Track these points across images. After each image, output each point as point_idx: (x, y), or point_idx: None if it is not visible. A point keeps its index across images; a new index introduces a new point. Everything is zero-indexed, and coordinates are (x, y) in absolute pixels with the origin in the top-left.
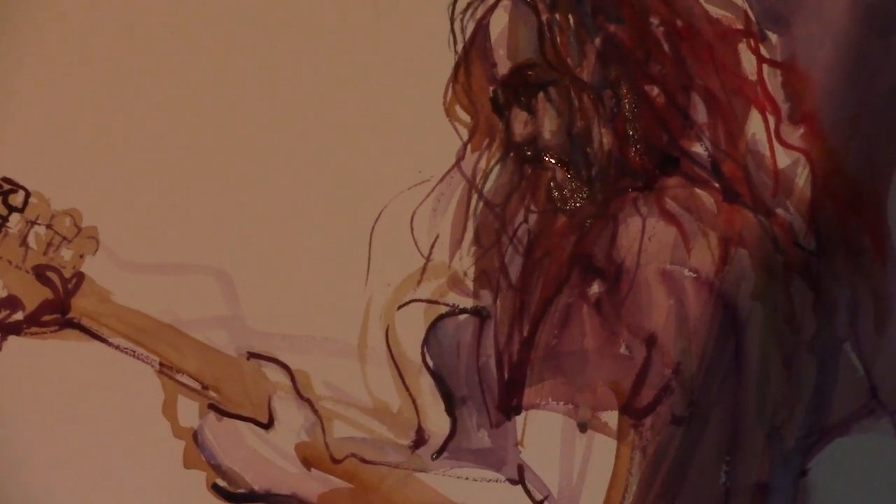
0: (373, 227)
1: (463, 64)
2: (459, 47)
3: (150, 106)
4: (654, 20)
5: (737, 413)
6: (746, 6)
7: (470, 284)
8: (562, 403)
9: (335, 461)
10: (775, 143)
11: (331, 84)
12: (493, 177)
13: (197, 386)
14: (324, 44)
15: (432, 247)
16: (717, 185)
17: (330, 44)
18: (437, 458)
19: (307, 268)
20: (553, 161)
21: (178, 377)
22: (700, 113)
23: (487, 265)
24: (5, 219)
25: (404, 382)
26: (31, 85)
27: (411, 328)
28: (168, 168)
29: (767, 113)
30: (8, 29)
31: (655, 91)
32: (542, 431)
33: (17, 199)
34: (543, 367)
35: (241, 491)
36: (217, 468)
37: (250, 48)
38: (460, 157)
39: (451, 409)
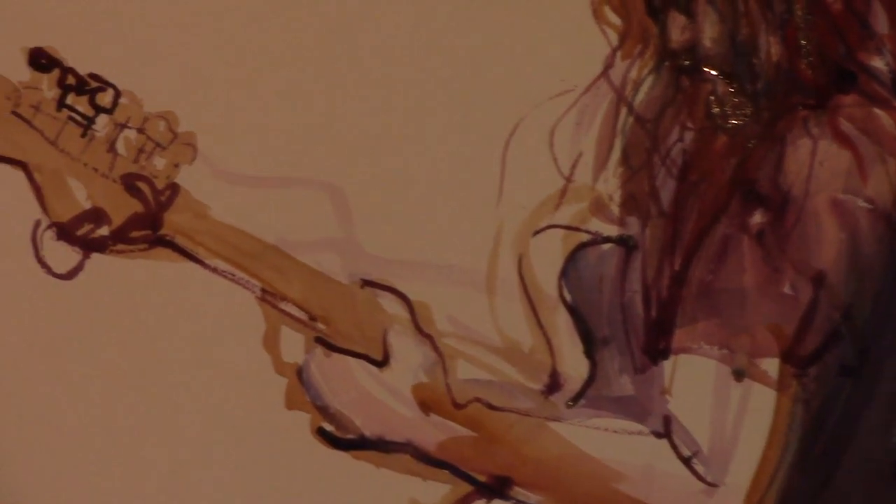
0: (507, 142)
1: None
2: None
3: None
4: None
5: None
6: None
7: (615, 210)
8: (715, 348)
9: (457, 406)
10: None
11: None
12: (644, 88)
13: (303, 316)
14: None
15: (574, 166)
16: None
17: None
18: (573, 405)
19: (431, 186)
20: (713, 72)
21: (282, 305)
22: (882, 23)
23: (636, 188)
24: (91, 121)
25: (538, 319)
26: None
27: (547, 258)
28: (277, 68)
29: None
30: None
31: None
32: (693, 379)
33: (105, 98)
34: (696, 306)
35: (350, 436)
36: (323, 410)
37: None
38: (608, 65)
39: (590, 351)
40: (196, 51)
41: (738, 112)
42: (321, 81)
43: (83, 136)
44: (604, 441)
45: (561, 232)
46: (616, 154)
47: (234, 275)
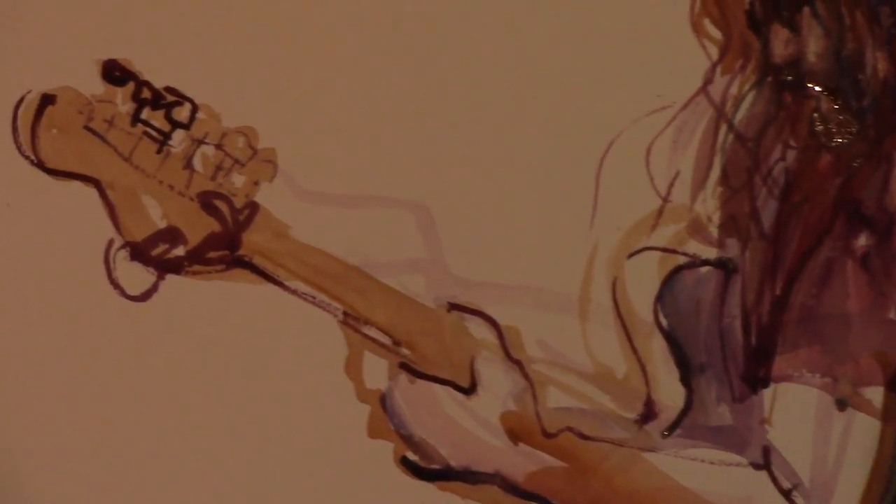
0: (601, 161)
1: None
2: None
3: (349, 8)
4: None
5: None
6: None
7: (714, 231)
8: (818, 376)
9: (548, 435)
10: None
11: None
12: (745, 105)
13: (387, 341)
14: None
15: (671, 185)
16: None
17: None
18: (668, 435)
19: (522, 205)
20: (818, 88)
21: (366, 330)
22: None
23: (736, 209)
24: (168, 136)
25: (632, 345)
26: None
27: (643, 281)
28: (362, 82)
29: None
30: None
31: None
32: (794, 408)
33: (182, 113)
34: (798, 332)
35: (435, 466)
36: (408, 439)
37: None
38: (708, 81)
39: (686, 379)
40: (277, 64)
41: (842, 130)
42: (409, 98)
43: (158, 152)
44: (701, 473)
45: (657, 254)
46: (715, 173)
47: (315, 297)
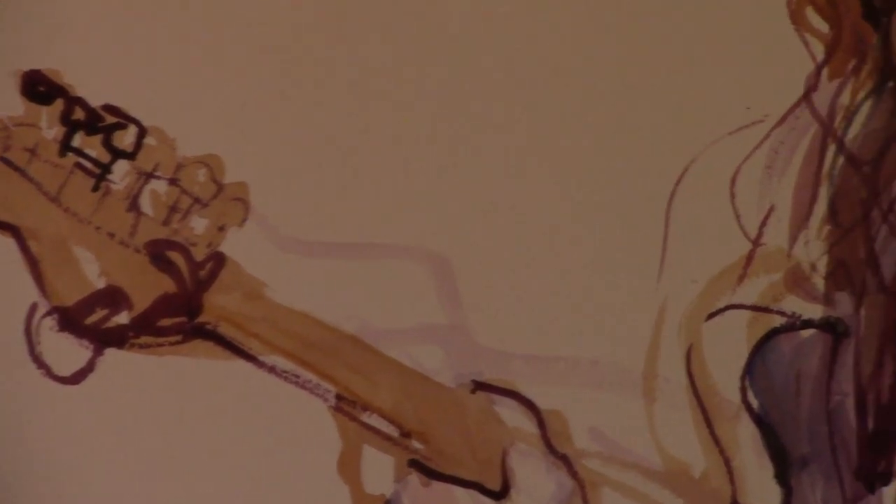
0: (672, 193)
1: None
2: None
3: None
4: None
5: None
6: None
7: (820, 283)
8: None
9: None
10: None
11: None
12: (860, 118)
13: (393, 432)
14: None
15: (763, 224)
16: None
17: None
18: None
19: (565, 254)
20: None
21: (365, 417)
22: None
23: (848, 254)
24: (107, 169)
25: (713, 432)
26: None
27: (727, 349)
28: (363, 92)
29: None
30: None
31: None
32: None
33: (125, 138)
34: None
35: None
36: None
37: None
38: (811, 87)
39: (783, 475)
40: (249, 76)
41: None
42: (422, 115)
43: (95, 189)
44: None
45: (745, 314)
46: (821, 208)
47: (299, 377)
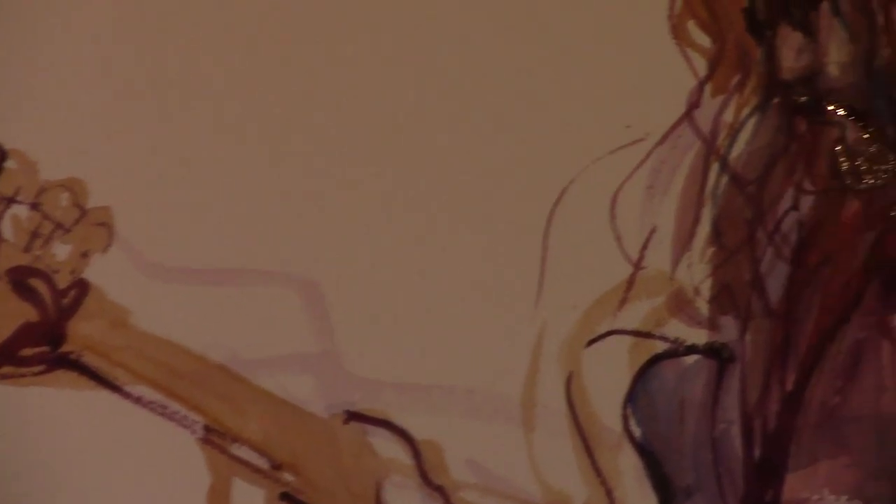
0: (549, 217)
1: None
2: None
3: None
4: None
5: None
6: None
7: (704, 307)
8: (844, 498)
9: None
10: None
11: None
12: (744, 136)
13: (264, 464)
14: None
15: (645, 246)
16: None
17: None
18: None
19: (439, 279)
20: (841, 112)
21: (235, 449)
22: None
23: (732, 277)
24: None
25: (594, 462)
26: None
27: (608, 376)
28: (219, 121)
29: None
30: None
31: None
32: None
33: None
34: (816, 441)
35: None
36: None
37: None
38: (693, 104)
39: None
40: (111, 98)
41: (875, 167)
42: (288, 136)
43: None
44: None
45: (627, 340)
46: (705, 229)
47: (166, 407)
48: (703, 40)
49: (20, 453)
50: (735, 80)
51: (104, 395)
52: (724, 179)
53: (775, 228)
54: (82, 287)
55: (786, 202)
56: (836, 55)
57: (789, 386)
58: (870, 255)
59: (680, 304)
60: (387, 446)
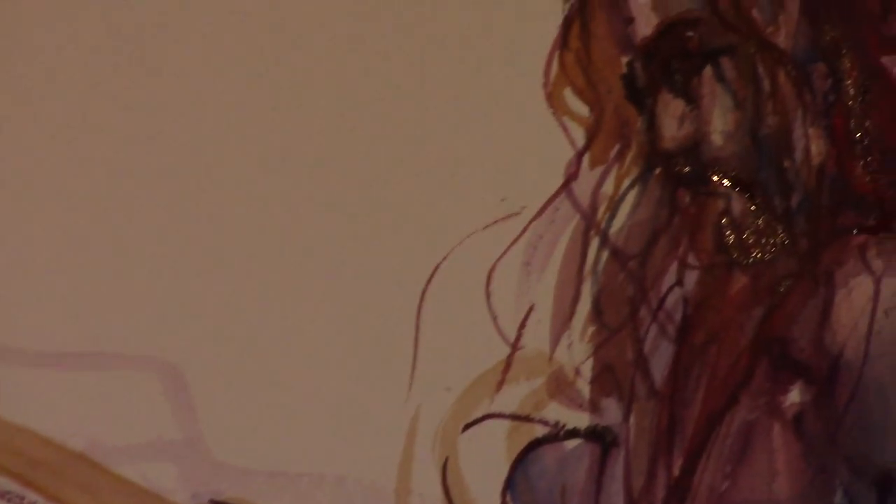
0: (422, 295)
1: (578, 18)
2: None
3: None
4: None
5: None
6: None
7: (585, 389)
8: None
9: None
10: None
11: (349, 50)
12: (625, 209)
13: None
14: None
15: (523, 325)
16: None
17: None
18: None
19: (309, 362)
20: (727, 182)
21: None
22: None
23: (615, 357)
24: None
25: None
26: None
27: (486, 462)
28: (84, 186)
29: None
30: None
31: None
32: None
33: None
34: None
35: None
36: None
37: None
38: (571, 176)
39: None
40: None
41: (763, 241)
42: (152, 221)
43: None
44: None
45: (505, 424)
46: (585, 307)
47: (23, 497)
48: (581, 109)
49: None
50: (615, 150)
51: None
52: (605, 255)
53: (659, 306)
54: None
55: (670, 278)
56: (721, 123)
57: (676, 471)
58: (758, 333)
59: (560, 385)
60: None
